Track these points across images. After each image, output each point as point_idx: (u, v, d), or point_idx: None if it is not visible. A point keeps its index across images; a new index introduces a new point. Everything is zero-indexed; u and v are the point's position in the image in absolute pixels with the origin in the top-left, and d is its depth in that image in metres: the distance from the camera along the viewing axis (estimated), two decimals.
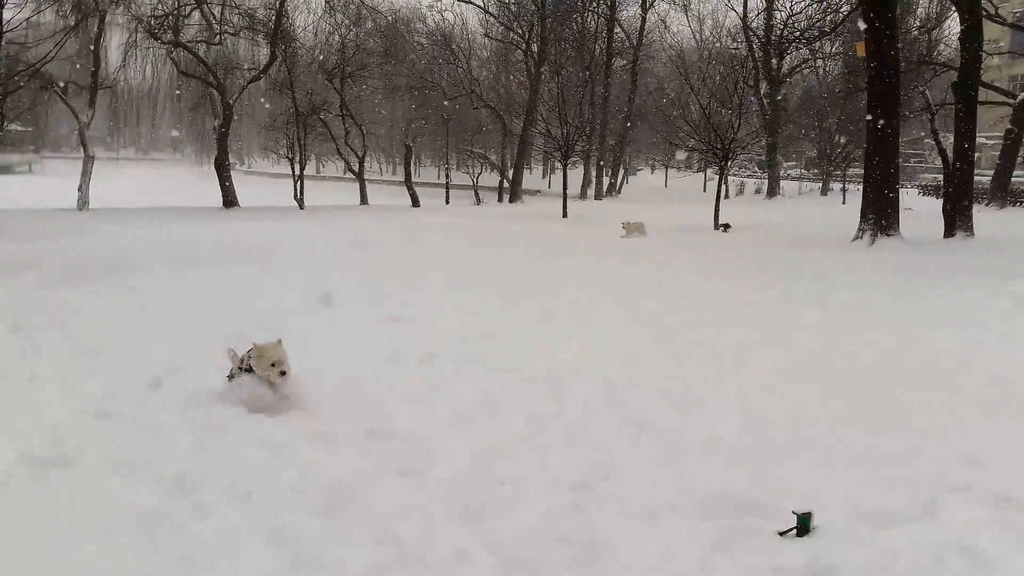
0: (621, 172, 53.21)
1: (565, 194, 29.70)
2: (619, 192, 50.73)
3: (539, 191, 52.81)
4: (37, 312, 8.42)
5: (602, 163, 47.56)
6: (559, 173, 33.73)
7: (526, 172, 44.32)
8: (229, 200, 31.48)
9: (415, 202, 37.13)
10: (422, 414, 5.01)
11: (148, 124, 37.01)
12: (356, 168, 37.70)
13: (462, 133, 40.74)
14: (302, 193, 32.94)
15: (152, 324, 7.92)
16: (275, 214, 27.47)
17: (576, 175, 41.58)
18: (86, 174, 29.07)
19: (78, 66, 29.51)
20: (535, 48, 41.01)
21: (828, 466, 4.04)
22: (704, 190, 49.86)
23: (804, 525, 3.28)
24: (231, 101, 31.05)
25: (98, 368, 6.08)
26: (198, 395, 5.34)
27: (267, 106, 36.13)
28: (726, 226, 20.91)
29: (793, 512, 3.33)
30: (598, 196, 46.07)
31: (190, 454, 4.20)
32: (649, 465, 4.11)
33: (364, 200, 37.24)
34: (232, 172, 32.96)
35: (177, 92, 34.98)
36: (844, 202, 35.09)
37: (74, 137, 33.68)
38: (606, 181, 49.24)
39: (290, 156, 33.70)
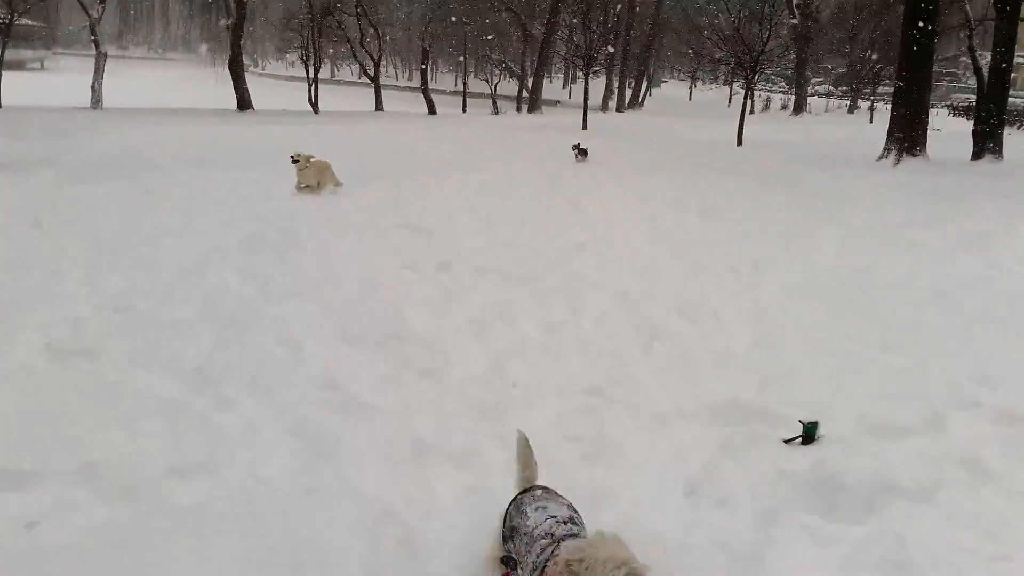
0: (644, 84, 51.86)
1: (586, 105, 29.08)
2: (642, 104, 49.59)
3: (559, 102, 51.67)
4: (56, 209, 8.47)
5: (626, 73, 46.33)
6: (580, 83, 32.90)
7: (546, 81, 43.26)
8: (244, 102, 31.05)
9: (431, 109, 36.47)
10: (439, 320, 5.08)
11: (160, 22, 36.15)
12: (372, 72, 36.94)
13: (481, 38, 39.65)
14: (317, 97, 32.41)
15: (170, 224, 7.96)
16: (290, 118, 27.10)
17: (598, 86, 40.60)
18: (98, 72, 28.61)
19: None
20: None
21: (838, 380, 4.09)
22: (729, 105, 48.65)
23: (810, 433, 3.35)
24: None
25: (118, 265, 6.16)
26: (217, 294, 5.43)
27: (283, 3, 35.15)
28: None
29: (800, 421, 3.39)
30: (620, 108, 45.10)
31: (210, 350, 4.29)
32: (660, 374, 4.18)
33: (379, 106, 36.62)
34: (246, 74, 32.39)
35: None
36: (871, 121, 34.21)
37: (85, 34, 33.05)
38: (628, 93, 48.09)
39: (304, 59, 32.99)
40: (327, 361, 4.26)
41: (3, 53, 26.70)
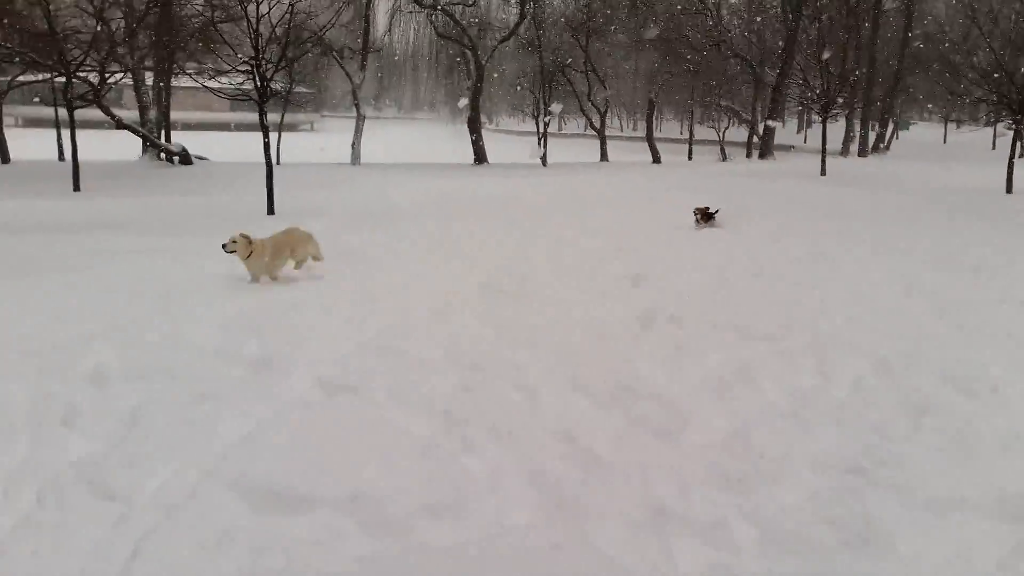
0: (890, 126, 48.13)
1: (824, 150, 27.52)
2: (887, 148, 45.98)
3: (793, 147, 49.45)
4: (323, 255, 9.42)
5: (868, 115, 43.31)
6: (817, 127, 31.20)
7: (778, 126, 41.58)
8: (480, 156, 33.09)
9: (656, 158, 36.49)
10: (673, 377, 4.94)
11: (409, 85, 39.71)
12: (597, 124, 37.78)
13: (709, 85, 39.13)
14: (545, 150, 33.74)
15: (419, 269, 8.55)
16: (520, 170, 28.39)
17: (837, 129, 38.31)
18: (358, 132, 32.01)
19: (349, 31, 32.30)
20: None
21: None
22: (993, 147, 43.69)
23: None
24: (483, 61, 32.38)
25: (376, 306, 6.70)
26: (460, 337, 5.71)
27: (517, 63, 37.16)
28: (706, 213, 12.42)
29: None
30: (862, 153, 42.14)
31: (456, 392, 4.50)
32: (934, 454, 3.72)
33: (604, 156, 37.28)
34: (482, 130, 34.53)
35: (435, 55, 37.13)
36: None
37: (347, 99, 37.14)
38: (872, 136, 44.86)
39: (535, 114, 34.55)
40: (562, 411, 4.29)
41: (283, 117, 30.71)
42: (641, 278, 8.11)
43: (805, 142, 54.90)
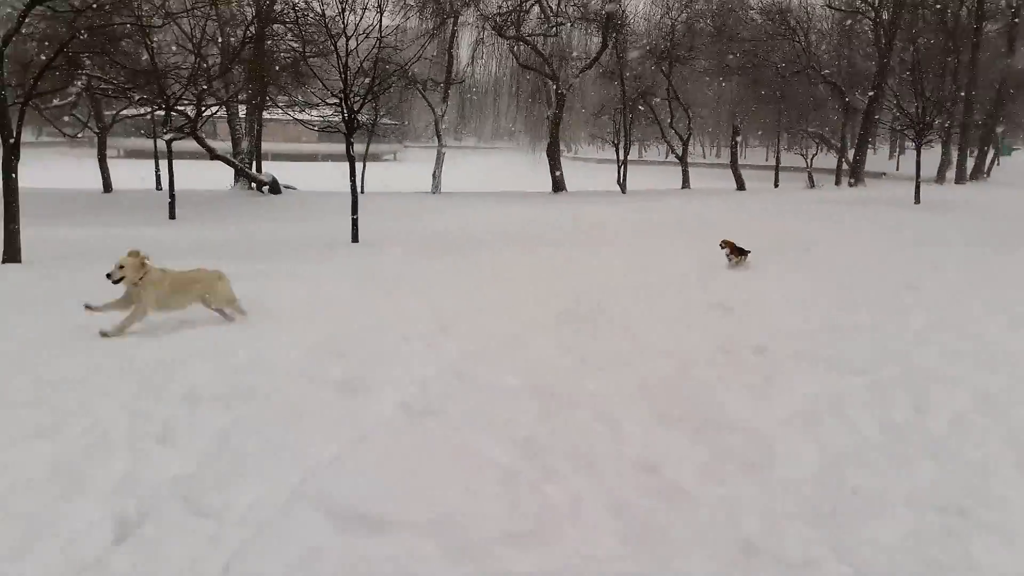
0: (990, 152, 45.92)
1: (918, 177, 26.47)
2: (988, 175, 43.88)
3: (884, 173, 47.80)
4: (404, 281, 9.62)
5: (966, 141, 41.47)
6: (910, 153, 30.08)
7: (869, 152, 40.28)
8: (558, 184, 33.26)
9: (740, 185, 35.87)
10: (759, 409, 4.81)
11: (490, 115, 40.33)
12: (679, 152, 37.46)
13: (796, 111, 38.29)
14: (625, 177, 33.59)
15: (496, 296, 8.61)
16: (599, 198, 28.38)
17: (931, 156, 36.82)
18: (439, 161, 32.71)
19: (433, 64, 33.13)
20: (886, 15, 37.00)
21: None
22: None
23: None
24: (563, 91, 32.63)
25: (454, 332, 6.77)
26: (539, 365, 5.71)
27: (597, 93, 37.32)
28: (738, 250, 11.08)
29: None
30: (959, 180, 40.34)
31: (536, 420, 4.49)
32: None
33: (686, 184, 36.89)
34: (561, 158, 34.71)
35: (516, 85, 37.63)
36: None
37: (430, 129, 38.03)
38: (970, 163, 42.90)
39: (615, 142, 34.53)
40: (644, 442, 4.22)
41: (367, 148, 31.65)
42: (724, 307, 7.96)
43: (897, 169, 52.93)
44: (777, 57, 36.18)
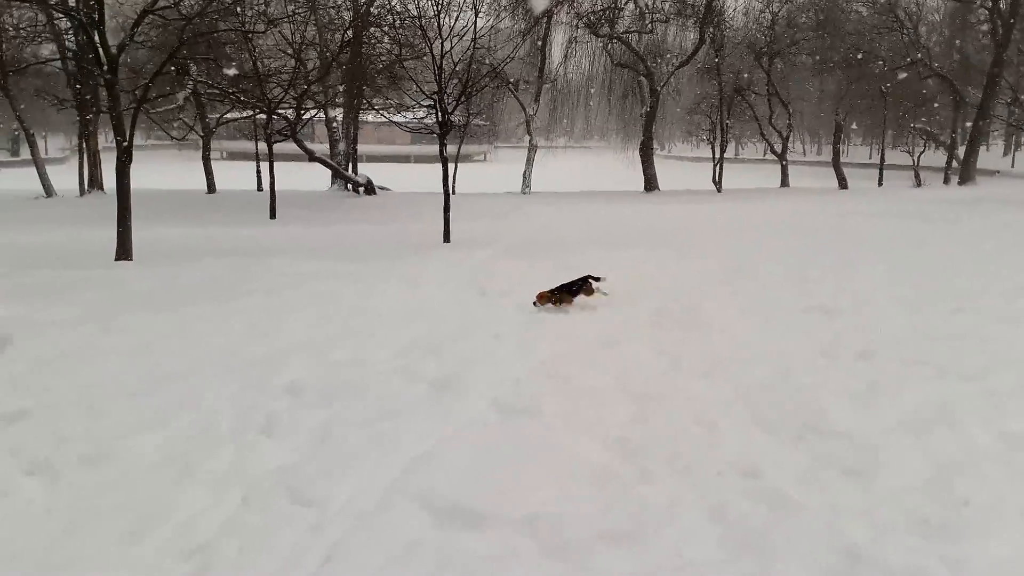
0: None
1: None
2: None
3: (998, 171, 44.98)
4: (494, 282, 9.68)
5: None
6: None
7: (981, 150, 37.98)
8: (650, 183, 32.83)
9: (842, 183, 34.51)
10: (864, 416, 4.60)
11: (581, 114, 40.16)
12: (779, 149, 36.35)
13: (903, 106, 36.49)
14: (721, 176, 32.85)
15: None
16: (693, 197, 27.85)
17: None
18: (529, 162, 32.84)
19: (525, 64, 33.25)
20: (1003, 4, 34.78)
21: None
22: None
23: None
24: (658, 88, 32.16)
25: (544, 333, 6.77)
26: (631, 366, 5.64)
27: (692, 89, 36.65)
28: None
29: None
30: None
31: (630, 421, 4.44)
32: None
33: (785, 182, 35.76)
34: (654, 156, 34.24)
35: (608, 83, 37.33)
36: None
37: (520, 129, 38.21)
38: None
39: (711, 139, 33.81)
40: (743, 446, 4.11)
41: (459, 149, 32.05)
42: (824, 309, 7.66)
43: (1012, 166, 49.78)
44: (883, 50, 34.58)
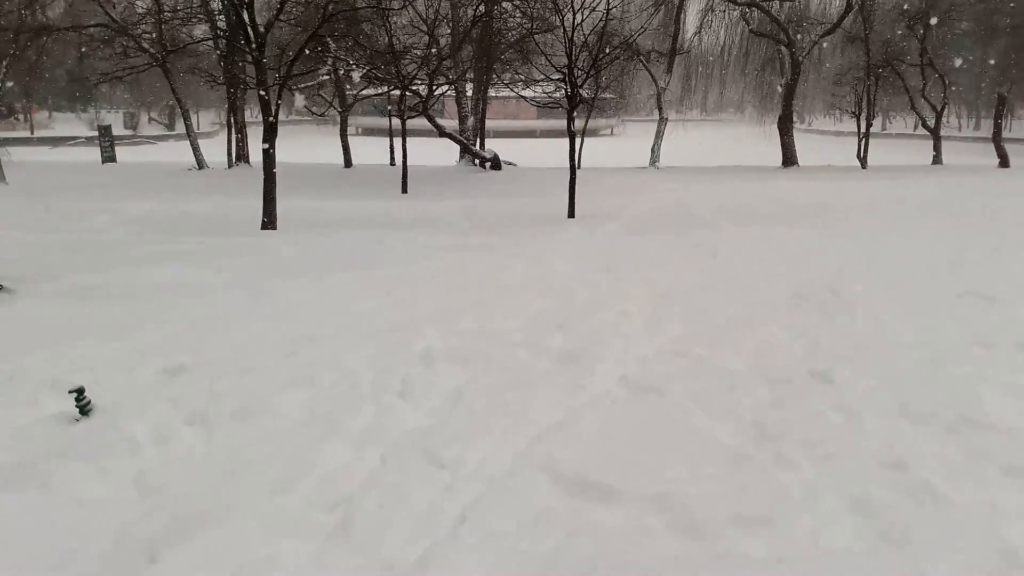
0: None
1: None
2: None
3: None
4: (620, 258, 9.58)
5: None
6: None
7: None
8: (789, 158, 31.38)
9: (1004, 161, 31.69)
10: None
11: (716, 86, 38.85)
12: (931, 123, 33.77)
13: None
14: (866, 152, 30.93)
15: (716, 276, 8.33)
16: (834, 174, 26.40)
17: None
18: (659, 135, 32.10)
19: (658, 34, 32.41)
20: None
21: None
22: None
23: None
24: (800, 58, 30.57)
25: (672, 311, 6.65)
26: (766, 348, 5.45)
27: (836, 59, 34.60)
28: None
29: None
30: None
31: (765, 405, 4.29)
32: None
33: (938, 159, 33.24)
34: (793, 131, 32.66)
35: (745, 53, 35.85)
36: None
37: (650, 102, 37.40)
38: None
39: (856, 112, 31.83)
40: (888, 437, 3.89)
41: (586, 123, 31.78)
42: (981, 295, 7.09)
43: None
44: None
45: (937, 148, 33.40)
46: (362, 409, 4.34)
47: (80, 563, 2.78)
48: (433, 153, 31.44)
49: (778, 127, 32.13)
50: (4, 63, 24.12)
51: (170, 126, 59.82)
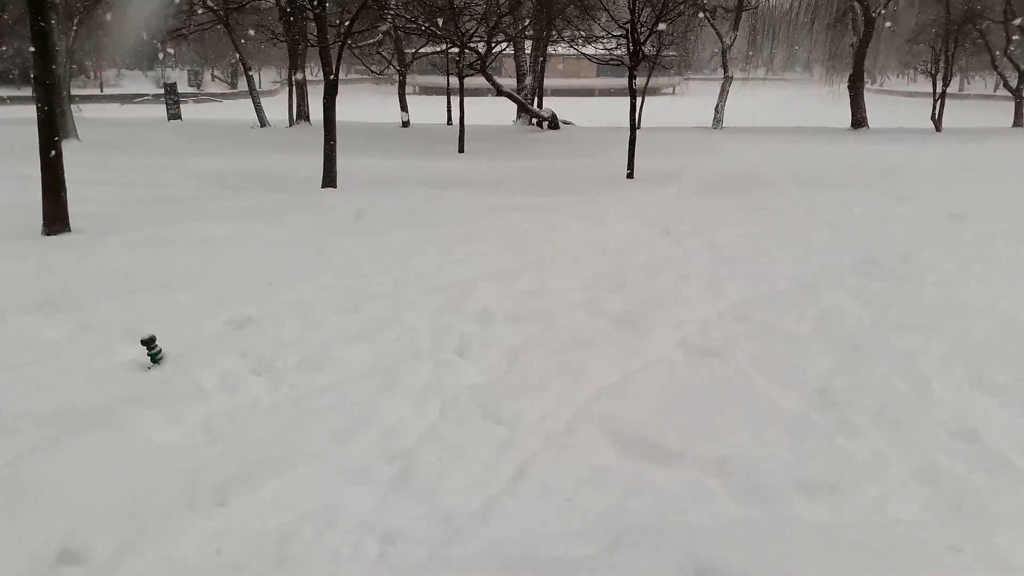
0: None
1: None
2: None
3: None
4: (681, 221, 9.41)
5: None
6: None
7: None
8: (859, 120, 30.22)
9: None
10: None
11: (784, 44, 37.49)
12: (1013, 84, 32.02)
13: None
14: (941, 114, 29.56)
15: (781, 240, 8.13)
16: (907, 136, 25.35)
17: None
18: (723, 94, 31.20)
19: None
20: None
21: None
22: None
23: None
24: (874, 14, 29.21)
25: (735, 275, 6.53)
26: (832, 315, 5.31)
27: (912, 16, 32.97)
28: None
29: None
30: None
31: (830, 371, 4.20)
32: None
33: (1018, 122, 31.57)
34: (864, 91, 31.37)
35: (815, 9, 34.44)
36: None
37: (715, 60, 36.32)
38: None
39: (932, 72, 30.35)
40: (959, 407, 3.77)
41: (647, 81, 31.08)
42: None
43: None
44: None
45: (1019, 110, 31.71)
46: (421, 364, 4.39)
47: (154, 505, 2.90)
48: (490, 112, 31.26)
49: (848, 87, 30.90)
50: (75, 21, 24.74)
51: (233, 84, 60.70)
